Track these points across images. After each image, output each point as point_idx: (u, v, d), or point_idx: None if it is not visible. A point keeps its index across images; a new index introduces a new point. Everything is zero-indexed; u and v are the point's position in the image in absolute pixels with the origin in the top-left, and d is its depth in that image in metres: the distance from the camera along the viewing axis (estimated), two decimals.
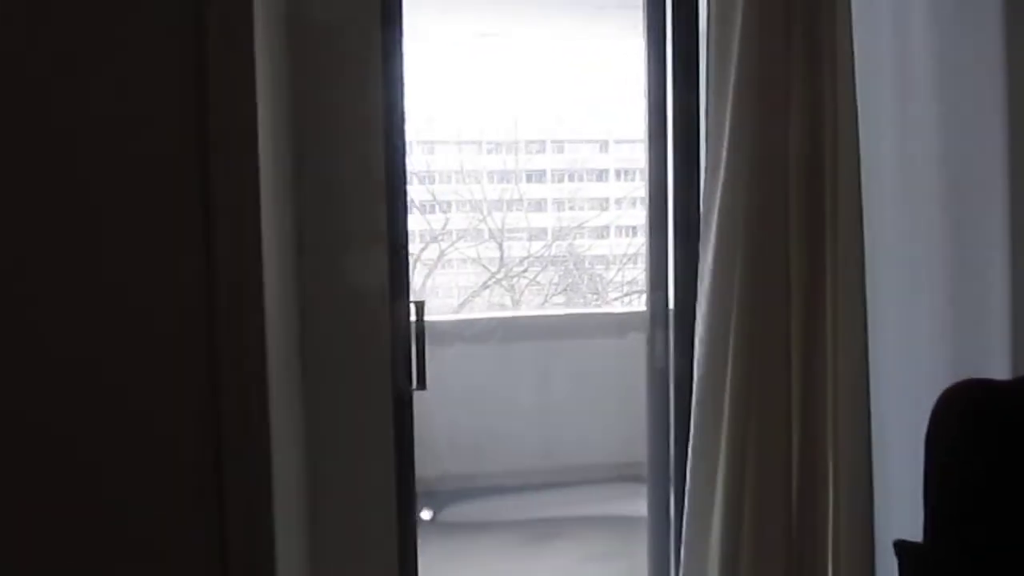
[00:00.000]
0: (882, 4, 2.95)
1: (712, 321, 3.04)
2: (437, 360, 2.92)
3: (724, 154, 2.84)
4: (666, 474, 3.32)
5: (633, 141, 22.58)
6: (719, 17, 2.86)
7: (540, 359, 2.94)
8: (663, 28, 3.26)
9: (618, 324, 3.42)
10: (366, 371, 2.92)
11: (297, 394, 2.60)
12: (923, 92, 2.91)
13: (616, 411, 3.69)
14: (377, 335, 2.93)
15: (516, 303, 11.82)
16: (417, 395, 3.04)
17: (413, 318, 3.10)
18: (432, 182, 15.88)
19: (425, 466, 2.72)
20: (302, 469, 2.57)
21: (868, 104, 2.90)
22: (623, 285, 14.06)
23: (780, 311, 3.00)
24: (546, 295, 12.20)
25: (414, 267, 13.00)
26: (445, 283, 14.48)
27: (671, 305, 3.39)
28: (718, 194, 2.88)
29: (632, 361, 3.47)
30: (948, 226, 2.98)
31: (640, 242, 15.13)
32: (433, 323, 3.12)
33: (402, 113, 2.98)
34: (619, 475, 4.88)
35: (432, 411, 2.88)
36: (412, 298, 3.12)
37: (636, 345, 3.62)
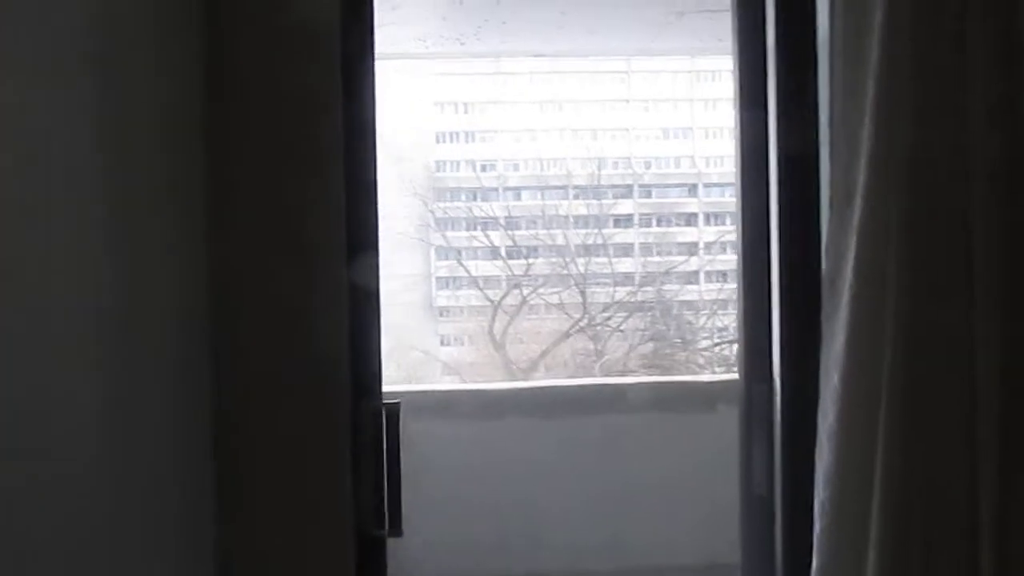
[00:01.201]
0: None
1: (848, 412, 1.96)
2: (487, 435, 2.40)
3: (860, 184, 1.85)
4: None
5: (723, 185, 21.93)
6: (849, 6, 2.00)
7: (609, 436, 2.28)
8: (757, 30, 2.50)
9: (705, 395, 2.54)
10: (310, 507, 2.01)
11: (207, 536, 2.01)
12: None
13: (701, 502, 2.84)
14: (328, 450, 2.05)
15: (599, 353, 11.29)
16: (456, 476, 2.46)
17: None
18: (517, 227, 15.64)
19: (463, 559, 2.29)
20: None
21: None
22: (716, 332, 13.39)
23: (959, 401, 1.87)
24: (631, 343, 11.66)
25: (494, 315, 12.72)
26: (528, 329, 14.11)
27: (776, 388, 2.43)
28: (852, 239, 1.85)
29: (724, 441, 2.71)
30: None
31: (732, 288, 14.49)
32: (486, 392, 2.60)
33: (372, 140, 2.51)
34: None
35: (476, 497, 2.36)
36: (395, 386, 2.42)
37: (728, 422, 2.90)
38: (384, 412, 2.12)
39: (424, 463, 2.58)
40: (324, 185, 2.18)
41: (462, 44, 2.19)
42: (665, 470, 2.56)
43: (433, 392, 2.43)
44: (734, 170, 2.76)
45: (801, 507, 2.17)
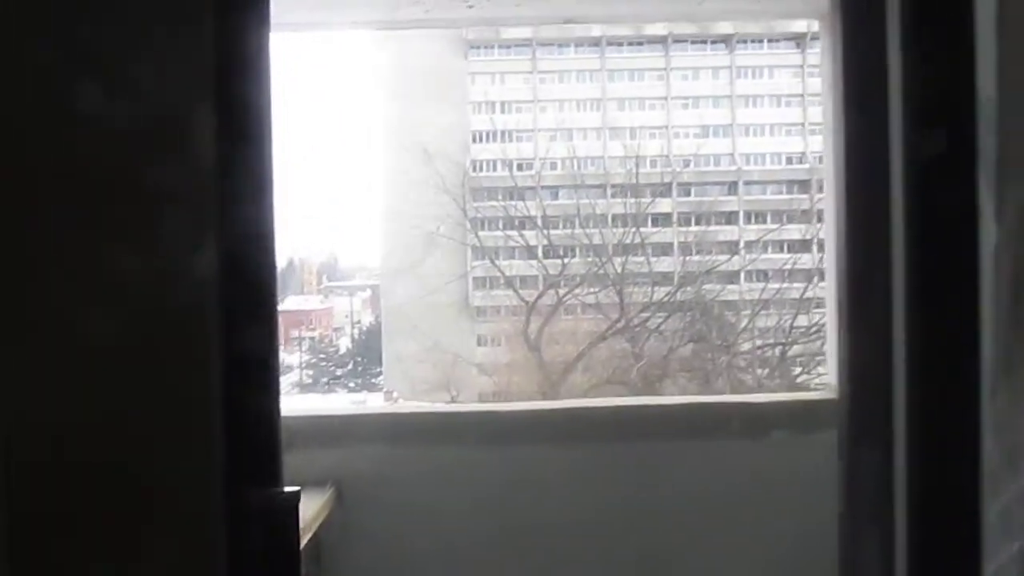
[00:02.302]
0: None
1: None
2: (501, 464, 2.10)
3: None
4: None
5: (765, 183, 21.49)
6: None
7: (637, 467, 1.77)
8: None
9: (751, 419, 1.97)
10: None
11: None
12: None
13: (755, 549, 2.31)
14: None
15: (637, 355, 10.99)
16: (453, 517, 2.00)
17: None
18: (555, 227, 15.40)
19: None
20: None
21: None
22: (756, 333, 13.00)
23: None
24: (670, 345, 11.34)
25: (528, 315, 12.48)
26: (564, 330, 13.86)
27: (901, 412, 1.84)
28: None
29: (780, 475, 2.15)
30: None
31: (774, 288, 14.10)
32: (502, 413, 2.30)
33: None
34: None
35: (482, 537, 1.97)
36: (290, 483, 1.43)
37: (783, 454, 2.44)
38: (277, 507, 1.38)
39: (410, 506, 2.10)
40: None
41: (470, 7, 1.64)
42: (711, 512, 1.92)
43: (429, 414, 2.00)
44: (824, 167, 2.44)
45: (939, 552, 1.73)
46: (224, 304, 1.37)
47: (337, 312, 45.84)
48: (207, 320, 1.33)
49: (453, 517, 2.11)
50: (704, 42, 25.01)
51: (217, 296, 1.35)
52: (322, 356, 37.10)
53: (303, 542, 1.76)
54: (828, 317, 2.64)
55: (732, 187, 23.22)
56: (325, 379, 33.16)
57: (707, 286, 13.06)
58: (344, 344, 39.96)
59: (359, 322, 41.62)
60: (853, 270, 2.00)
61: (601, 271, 12.49)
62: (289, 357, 41.76)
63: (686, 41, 24.32)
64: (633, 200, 13.72)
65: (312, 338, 40.16)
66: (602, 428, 2.32)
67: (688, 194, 21.70)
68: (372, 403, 20.03)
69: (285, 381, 37.48)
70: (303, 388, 31.98)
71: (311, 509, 1.85)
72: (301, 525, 1.77)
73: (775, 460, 2.32)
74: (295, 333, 41.24)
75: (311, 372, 36.34)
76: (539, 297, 12.85)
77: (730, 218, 20.90)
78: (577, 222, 14.02)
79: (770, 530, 2.29)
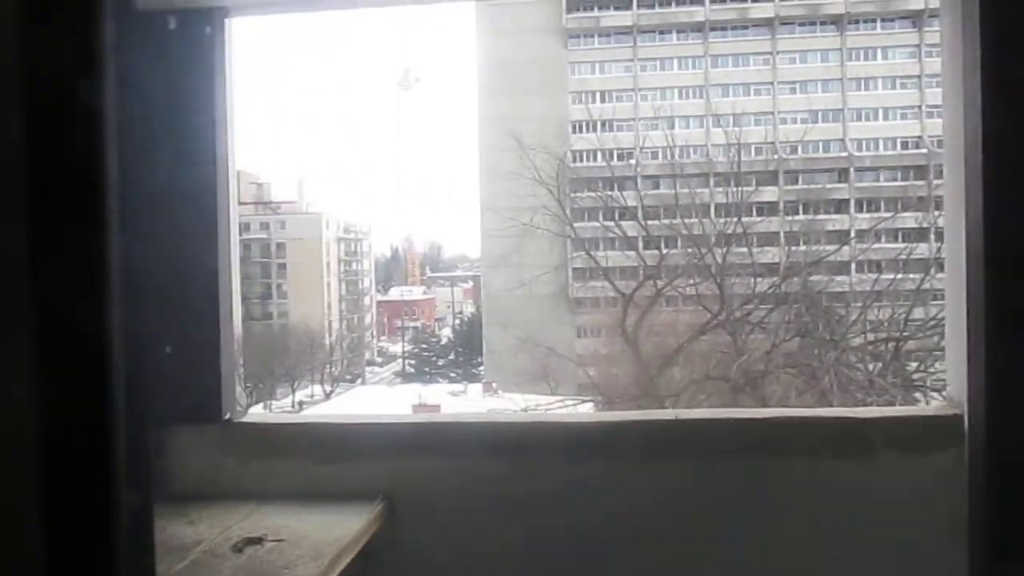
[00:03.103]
0: None
1: None
2: (572, 481, 1.87)
3: None
4: None
5: (877, 168, 20.57)
6: None
7: (722, 487, 1.61)
8: None
9: (858, 435, 1.74)
10: None
11: None
12: None
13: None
14: None
15: (739, 350, 10.65)
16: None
17: None
18: (654, 217, 15.11)
19: None
20: None
21: None
22: (867, 327, 12.38)
23: None
24: (774, 339, 10.94)
25: (626, 307, 12.27)
26: (664, 322, 13.58)
27: None
28: None
29: (886, 503, 1.78)
30: None
31: (887, 279, 13.41)
32: (574, 424, 2.05)
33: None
34: None
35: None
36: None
37: (894, 476, 2.06)
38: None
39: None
40: None
41: None
42: (808, 542, 1.68)
43: (489, 423, 1.79)
44: (944, 151, 2.20)
45: None
46: None
47: (440, 302, 46.69)
48: None
49: (517, 537, 1.87)
50: (813, 23, 24.11)
51: None
52: (424, 346, 37.91)
53: (351, 557, 1.69)
54: (948, 312, 2.34)
55: (842, 174, 22.33)
56: (427, 369, 33.76)
57: (814, 277, 12.54)
58: (446, 334, 40.70)
59: (461, 312, 42.33)
60: (994, 265, 1.74)
61: (701, 262, 12.16)
62: (392, 346, 42.80)
63: (793, 23, 23.51)
64: (736, 189, 13.29)
65: (415, 328, 41.09)
66: (687, 444, 2.02)
67: (795, 182, 21.00)
68: (472, 393, 20.21)
69: (388, 370, 38.32)
70: (406, 377, 32.67)
71: (359, 523, 1.77)
72: (349, 539, 1.70)
73: (885, 482, 1.99)
74: (398, 323, 42.23)
75: (413, 362, 37.17)
76: (637, 289, 12.62)
77: (840, 206, 20.10)
78: (677, 212, 13.70)
79: (880, 562, 1.98)
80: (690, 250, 12.61)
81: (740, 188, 13.21)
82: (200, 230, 2.05)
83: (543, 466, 1.83)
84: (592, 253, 15.96)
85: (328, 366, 33.42)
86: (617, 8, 24.83)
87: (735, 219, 12.51)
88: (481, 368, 28.78)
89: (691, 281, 12.21)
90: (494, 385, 17.17)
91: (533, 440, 1.90)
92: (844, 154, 19.98)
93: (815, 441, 1.94)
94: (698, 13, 25.32)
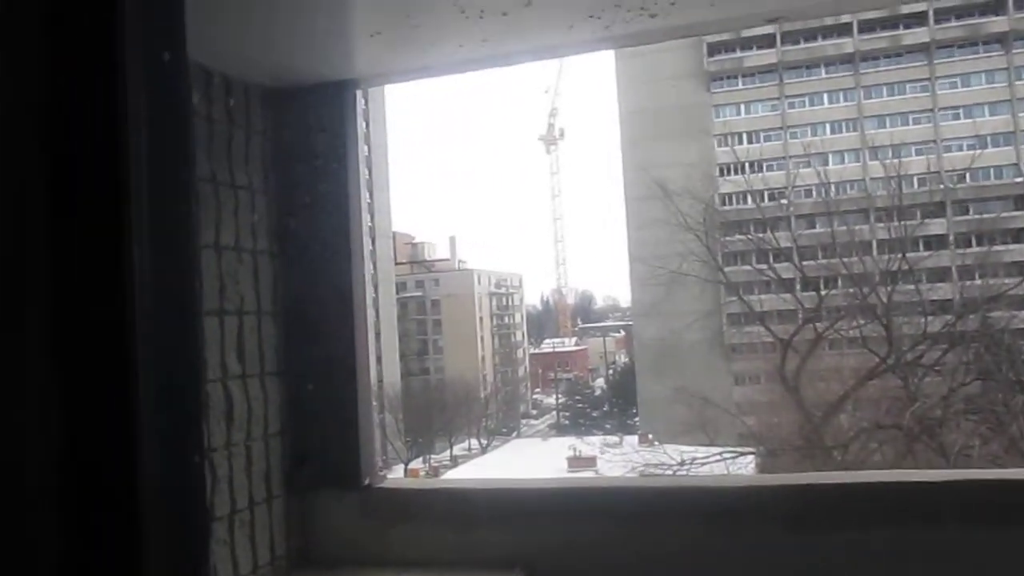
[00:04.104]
0: None
1: None
2: (732, 552, 1.64)
3: None
4: None
5: None
6: None
7: (904, 559, 1.35)
8: None
9: None
10: None
11: None
12: None
13: None
14: None
15: (912, 395, 9.89)
16: None
17: None
18: (813, 258, 14.47)
19: None
20: None
21: None
22: None
23: None
24: (951, 384, 10.12)
25: (784, 353, 11.69)
26: (828, 367, 12.87)
27: None
28: None
29: None
30: None
31: None
32: (732, 489, 1.83)
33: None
34: None
35: None
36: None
37: None
38: None
39: None
40: None
41: (652, 16, 1.40)
42: None
43: (632, 488, 1.59)
44: None
45: None
46: None
47: (592, 353, 46.57)
48: None
49: None
50: (975, 44, 22.78)
51: None
52: (578, 398, 37.84)
53: None
54: None
55: (1019, 201, 20.74)
56: (581, 421, 33.56)
57: (994, 314, 11.57)
58: (599, 385, 40.48)
59: (614, 363, 42.03)
60: None
61: (865, 302, 11.48)
62: (546, 399, 42.94)
63: (952, 46, 22.29)
64: (899, 223, 12.55)
65: (568, 379, 41.13)
66: (853, 511, 1.73)
67: (965, 212, 19.67)
68: (627, 445, 19.89)
69: (542, 423, 38.41)
70: (560, 429, 32.59)
71: None
72: None
73: None
74: (551, 375, 42.39)
75: (568, 414, 37.10)
76: (796, 333, 12.04)
77: (1018, 235, 18.63)
78: (835, 251, 13.07)
79: None
80: (852, 290, 11.95)
81: (903, 222, 12.47)
82: (339, 301, 2.07)
83: (693, 534, 1.69)
84: (745, 297, 15.47)
85: (484, 419, 33.87)
86: (759, 47, 24.39)
87: (899, 255, 11.78)
88: (636, 419, 28.31)
89: (855, 323, 11.54)
90: (650, 436, 16.78)
91: (683, 505, 1.76)
92: (1020, 180, 18.57)
93: (1011, 506, 1.61)
94: (847, 44, 24.49)
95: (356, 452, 2.02)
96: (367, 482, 2.07)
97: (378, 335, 28.48)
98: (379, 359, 28.07)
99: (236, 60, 1.95)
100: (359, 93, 2.22)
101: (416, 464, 26.81)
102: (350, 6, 1.79)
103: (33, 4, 0.61)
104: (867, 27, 22.77)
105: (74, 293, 0.63)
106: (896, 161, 14.40)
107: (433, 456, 28.95)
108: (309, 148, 2.16)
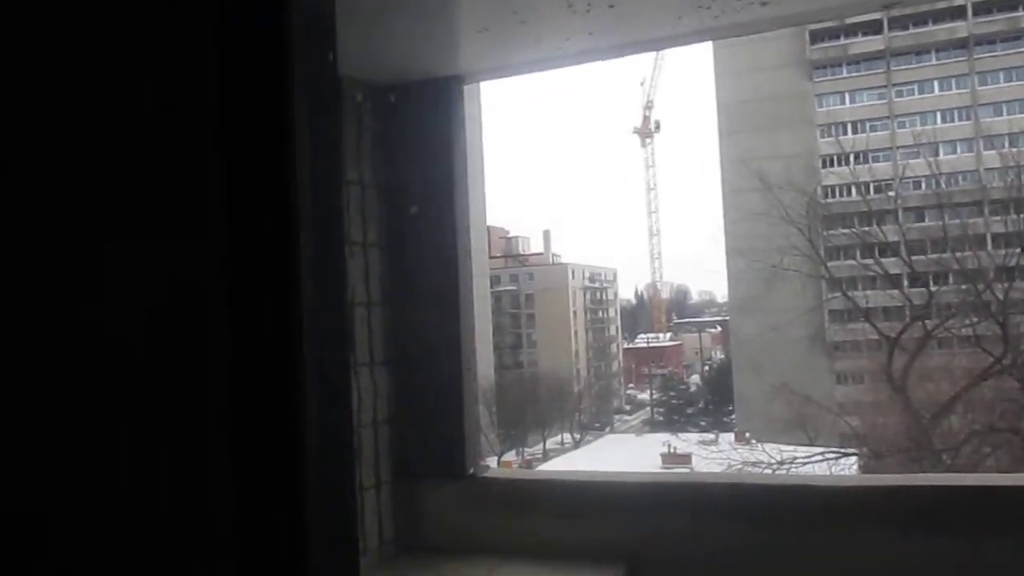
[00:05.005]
0: None
1: None
2: (837, 551, 1.60)
3: None
4: None
5: None
6: None
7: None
8: None
9: None
10: None
11: None
12: None
13: None
14: None
15: None
16: None
17: None
18: (922, 252, 13.88)
19: None
20: None
21: None
22: None
23: None
24: None
25: (891, 351, 11.25)
26: (937, 367, 12.33)
27: None
28: None
29: None
30: None
31: None
32: (843, 488, 1.76)
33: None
34: None
35: None
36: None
37: None
38: None
39: None
40: None
41: (763, 5, 1.31)
42: None
43: (740, 485, 1.55)
44: None
45: None
46: None
47: (687, 348, 45.86)
48: None
49: None
50: None
51: None
52: (672, 394, 37.33)
53: None
54: None
55: None
56: (676, 417, 33.13)
57: None
58: (694, 381, 39.86)
59: (710, 359, 41.30)
60: None
61: (979, 300, 10.96)
62: (640, 394, 42.51)
63: None
64: (1017, 216, 11.92)
65: (663, 375, 40.62)
66: (966, 512, 1.66)
67: None
68: (723, 443, 19.56)
69: (636, 418, 38.09)
70: (654, 426, 32.25)
71: None
72: None
73: None
74: (645, 370, 41.94)
75: (662, 410, 36.65)
76: (904, 330, 11.59)
77: None
78: (947, 245, 12.52)
79: None
80: (964, 287, 11.42)
81: (1022, 215, 11.83)
82: (445, 294, 2.12)
83: (799, 532, 1.65)
84: (850, 294, 14.97)
85: (577, 414, 33.80)
86: (865, 33, 23.50)
87: (1017, 250, 11.19)
88: (732, 416, 27.75)
89: (967, 321, 11.03)
90: (747, 434, 16.45)
91: (789, 503, 1.72)
92: None
93: None
94: (960, 29, 23.33)
95: (462, 442, 2.07)
96: (471, 471, 2.11)
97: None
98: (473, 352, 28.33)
99: (356, 59, 2.01)
100: (465, 89, 2.25)
101: (509, 457, 27.00)
102: (459, 3, 1.82)
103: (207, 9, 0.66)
104: (982, 8, 21.67)
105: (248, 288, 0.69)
106: (1014, 150, 13.67)
107: (526, 449, 29.10)
108: (417, 143, 2.21)
